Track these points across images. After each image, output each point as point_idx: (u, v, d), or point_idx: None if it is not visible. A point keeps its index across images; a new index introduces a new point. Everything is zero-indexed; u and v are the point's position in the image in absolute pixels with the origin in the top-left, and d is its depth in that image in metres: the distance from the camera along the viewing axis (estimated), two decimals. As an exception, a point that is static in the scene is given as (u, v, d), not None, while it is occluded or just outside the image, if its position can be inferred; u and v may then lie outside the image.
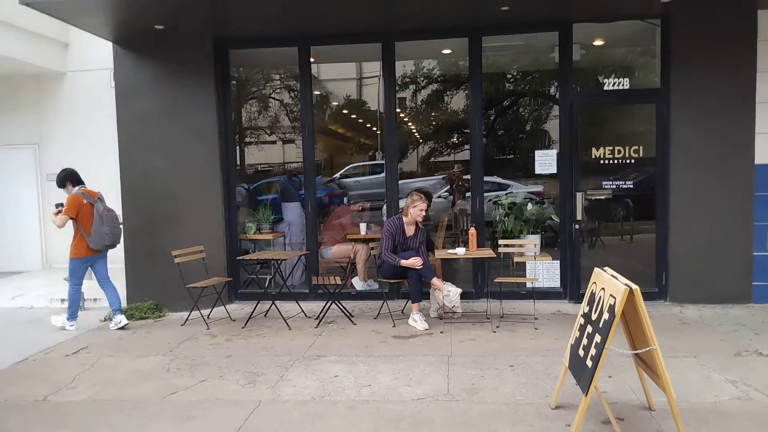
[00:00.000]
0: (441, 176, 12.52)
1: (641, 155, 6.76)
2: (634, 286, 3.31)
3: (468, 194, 7.21)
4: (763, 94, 6.32)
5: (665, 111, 6.51)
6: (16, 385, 4.73)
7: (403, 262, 5.91)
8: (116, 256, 7.64)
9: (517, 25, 6.70)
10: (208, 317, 6.41)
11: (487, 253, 6.28)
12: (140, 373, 4.91)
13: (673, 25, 6.38)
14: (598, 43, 7.42)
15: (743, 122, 6.35)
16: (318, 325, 6.13)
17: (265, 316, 6.48)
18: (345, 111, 13.02)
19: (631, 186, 6.89)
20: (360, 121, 13.06)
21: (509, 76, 11.17)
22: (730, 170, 6.38)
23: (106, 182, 8.94)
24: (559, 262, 6.84)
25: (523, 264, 6.77)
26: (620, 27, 6.74)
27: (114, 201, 7.32)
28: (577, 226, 6.75)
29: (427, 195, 7.49)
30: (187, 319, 6.43)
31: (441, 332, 5.72)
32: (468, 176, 7.14)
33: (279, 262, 6.52)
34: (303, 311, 6.57)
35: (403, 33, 6.88)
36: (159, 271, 6.80)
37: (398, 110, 7.52)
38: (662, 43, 6.53)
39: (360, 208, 8.55)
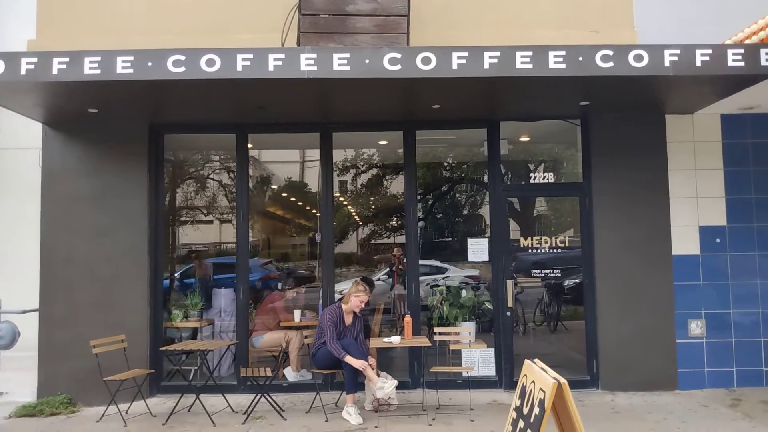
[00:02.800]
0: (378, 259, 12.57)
1: (567, 244, 7.04)
2: (563, 380, 3.32)
3: (406, 278, 7.23)
4: (675, 189, 6.80)
5: (588, 204, 6.87)
6: None
7: (349, 359, 5.74)
8: (28, 345, 7.11)
9: (448, 121, 7.06)
10: (126, 413, 5.95)
11: (423, 341, 6.23)
12: (42, 480, 4.45)
13: (592, 126, 6.86)
14: (525, 139, 7.88)
15: (661, 213, 6.75)
16: (245, 421, 5.79)
17: (189, 411, 6.08)
18: (285, 193, 13.05)
19: (559, 274, 7.12)
20: (300, 203, 13.10)
21: (445, 164, 11.62)
22: (653, 260, 6.70)
23: (22, 266, 8.45)
24: (493, 350, 6.85)
25: (459, 352, 6.74)
26: (544, 125, 7.19)
27: (32, 287, 6.90)
28: (509, 314, 6.84)
29: (370, 284, 7.47)
30: (103, 415, 5.95)
31: (375, 427, 5.52)
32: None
33: (206, 352, 6.22)
34: (230, 405, 6.21)
35: (339, 125, 7.08)
36: (75, 362, 6.34)
37: (338, 194, 7.66)
38: (582, 141, 6.99)
39: (295, 293, 8.38)
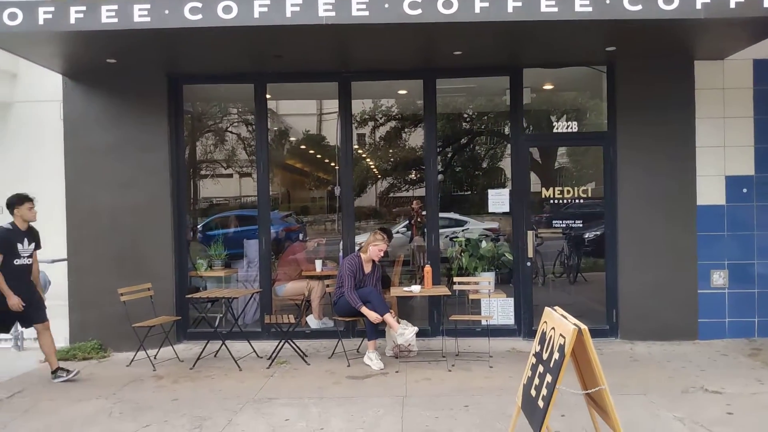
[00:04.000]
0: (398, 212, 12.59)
1: (590, 195, 6.97)
2: (583, 326, 3.35)
3: (425, 230, 7.25)
4: (702, 138, 6.63)
5: (612, 153, 6.75)
6: (-59, 435, 4.41)
7: (364, 310, 5.84)
8: (60, 293, 7.33)
9: (469, 68, 6.89)
10: (154, 358, 6.16)
11: (443, 290, 6.29)
12: (80, 418, 4.65)
13: (618, 73, 6.67)
14: (548, 87, 7.70)
15: (686, 165, 6.62)
16: (270, 365, 5.97)
17: (215, 356, 6.28)
18: (303, 146, 13.04)
19: (581, 225, 7.08)
20: (318, 156, 13.09)
21: (465, 115, 11.47)
22: (676, 210, 6.62)
23: (52, 217, 8.61)
24: (513, 299, 6.91)
25: (478, 301, 6.80)
26: (569, 72, 7.01)
27: (60, 237, 7.06)
28: (529, 264, 6.85)
29: (388, 234, 7.50)
30: (132, 360, 6.17)
31: (396, 372, 5.65)
32: (425, 213, 7.20)
33: (230, 300, 6.36)
34: (255, 351, 6.40)
35: (359, 74, 6.98)
36: (104, 310, 6.53)
37: (356, 146, 7.60)
38: (608, 88, 6.82)
39: (316, 244, 8.47)
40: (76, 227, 6.83)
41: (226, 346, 6.17)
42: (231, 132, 10.88)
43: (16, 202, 5.60)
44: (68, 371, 5.71)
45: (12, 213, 5.63)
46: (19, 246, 5.58)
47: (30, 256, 5.72)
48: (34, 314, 5.69)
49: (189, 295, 6.63)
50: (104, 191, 6.78)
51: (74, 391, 5.33)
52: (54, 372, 5.70)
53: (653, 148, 6.60)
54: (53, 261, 7.17)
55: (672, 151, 6.61)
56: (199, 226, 9.10)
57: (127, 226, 6.77)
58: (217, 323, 6.93)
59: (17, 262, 5.56)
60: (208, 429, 4.37)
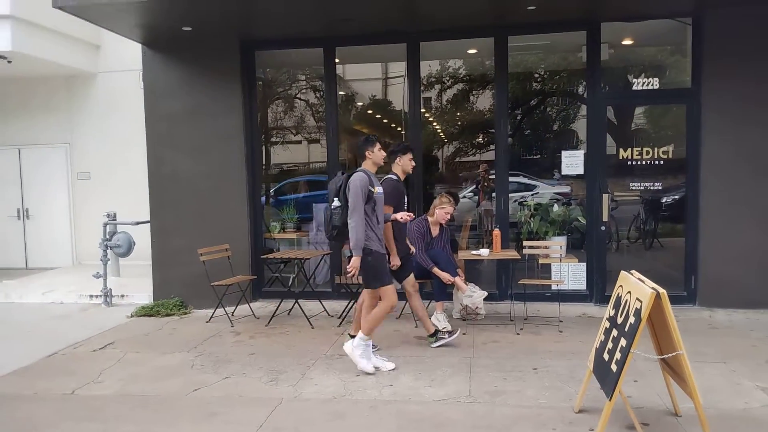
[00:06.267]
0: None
1: (670, 156, 6.63)
2: (661, 290, 3.24)
3: (493, 194, 7.15)
4: (799, 94, 6.14)
5: (696, 111, 6.37)
6: (46, 379, 4.84)
7: (436, 272, 5.85)
8: (142, 254, 7.81)
9: (543, 24, 6.62)
10: (232, 315, 6.47)
11: (512, 254, 6.22)
12: (165, 369, 4.98)
13: (706, 25, 6.23)
14: (627, 42, 7.29)
15: (778, 125, 6.17)
16: (340, 324, 6.14)
17: (288, 314, 6.53)
18: (370, 111, 13.02)
19: (660, 188, 6.76)
20: (385, 121, 13.05)
21: (536, 75, 11.04)
22: (763, 175, 6.20)
23: (133, 181, 9.14)
24: (585, 264, 6.74)
25: (548, 266, 6.69)
26: (650, 26, 6.62)
27: (142, 200, 7.47)
28: (603, 228, 6.64)
29: (455, 198, 7.45)
30: (211, 317, 6.51)
31: (464, 333, 5.68)
32: (493, 176, 7.08)
33: (302, 261, 6.56)
34: (326, 310, 6.60)
35: (428, 33, 6.87)
36: (185, 269, 6.89)
37: (423, 110, 7.50)
38: (693, 43, 6.39)
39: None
40: (157, 191, 7.18)
41: (299, 305, 6.39)
42: (300, 99, 11.02)
43: (401, 150, 5.29)
44: (450, 333, 5.35)
45: (393, 162, 5.27)
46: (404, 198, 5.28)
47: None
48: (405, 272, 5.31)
49: (264, 256, 6.88)
50: (183, 156, 7.07)
51: (159, 345, 5.69)
52: (433, 335, 5.33)
53: (743, 104, 6.17)
54: (137, 223, 7.63)
55: (764, 107, 6.15)
56: (271, 191, 9.36)
57: (204, 189, 7.05)
58: (290, 283, 7.18)
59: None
60: (283, 382, 4.57)
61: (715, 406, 3.83)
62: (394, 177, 5.27)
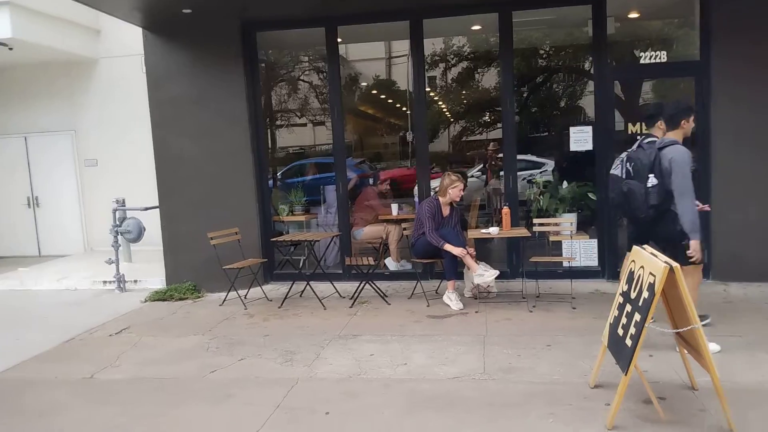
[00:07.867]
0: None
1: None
2: (674, 264, 3.23)
3: (501, 173, 7.11)
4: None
5: (705, 85, 6.28)
6: (64, 363, 4.90)
7: (448, 247, 5.84)
8: (153, 239, 7.84)
9: (548, -2, 6.53)
10: (245, 297, 6.51)
11: (522, 232, 6.20)
12: (180, 352, 5.03)
13: (715, -6, 6.13)
14: (633, 15, 7.18)
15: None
16: (352, 305, 6.17)
17: (301, 296, 6.56)
18: (374, 91, 12.94)
19: (670, 162, 6.69)
20: (389, 101, 12.97)
21: (542, 51, 10.92)
22: (775, 146, 6.14)
23: (141, 167, 9.13)
24: (596, 240, 6.72)
25: (559, 243, 6.67)
26: (657, -3, 6.51)
27: (149, 186, 7.48)
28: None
29: (462, 175, 7.42)
30: (224, 300, 6.55)
31: (476, 312, 5.70)
32: (501, 155, 7.04)
33: (312, 243, 6.57)
34: (337, 291, 6.63)
35: (431, 9, 6.77)
36: (196, 253, 6.91)
37: (428, 89, 7.44)
38: (702, 14, 6.27)
39: (385, 188, 8.40)
40: (164, 176, 7.19)
41: (311, 287, 6.42)
42: (303, 81, 10.95)
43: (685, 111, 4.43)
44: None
45: (678, 126, 4.44)
46: None
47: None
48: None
49: (273, 239, 6.90)
50: (188, 140, 7.06)
51: (174, 329, 5.74)
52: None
53: (754, 76, 6.07)
54: (146, 209, 7.64)
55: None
56: (278, 174, 9.36)
57: (211, 173, 7.05)
58: (301, 265, 7.21)
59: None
60: (298, 362, 4.61)
61: (731, 380, 3.82)
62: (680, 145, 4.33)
